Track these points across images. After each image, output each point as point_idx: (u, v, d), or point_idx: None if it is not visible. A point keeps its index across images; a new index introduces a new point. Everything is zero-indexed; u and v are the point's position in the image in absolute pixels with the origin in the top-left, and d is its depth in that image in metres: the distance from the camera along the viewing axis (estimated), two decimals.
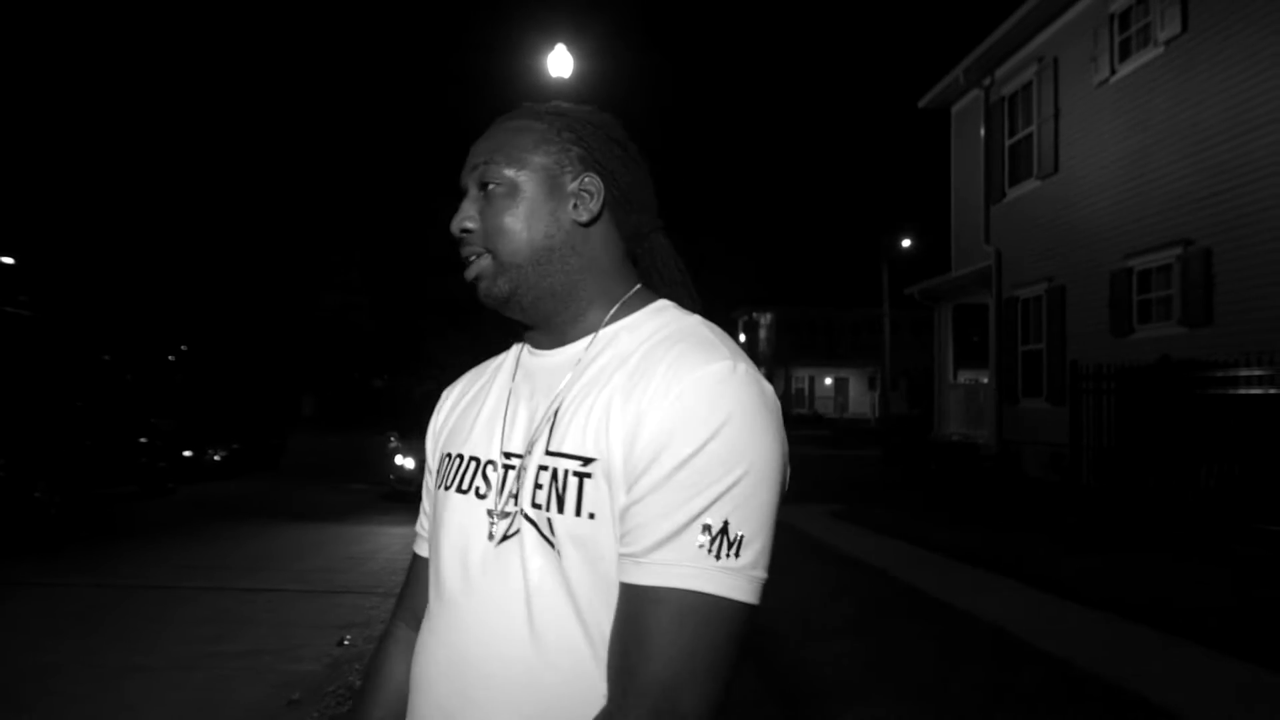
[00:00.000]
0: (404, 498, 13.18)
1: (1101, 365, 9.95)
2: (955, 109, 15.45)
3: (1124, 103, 10.66)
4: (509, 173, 0.92)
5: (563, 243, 0.92)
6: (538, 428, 0.89)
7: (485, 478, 0.93)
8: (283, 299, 28.99)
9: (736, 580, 0.76)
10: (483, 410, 1.00)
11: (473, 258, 0.94)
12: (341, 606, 6.25)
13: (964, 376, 16.80)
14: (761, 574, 0.78)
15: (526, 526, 0.85)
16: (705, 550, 0.75)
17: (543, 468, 0.86)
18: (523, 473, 0.88)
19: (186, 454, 14.79)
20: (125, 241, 26.56)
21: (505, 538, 0.87)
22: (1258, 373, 7.64)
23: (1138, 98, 10.41)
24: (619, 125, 0.99)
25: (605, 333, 0.92)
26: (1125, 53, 10.70)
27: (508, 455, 0.91)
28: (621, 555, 0.79)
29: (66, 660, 4.75)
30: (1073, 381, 10.32)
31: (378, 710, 1.07)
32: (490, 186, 0.93)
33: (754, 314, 46.00)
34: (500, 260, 0.92)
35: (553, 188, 0.92)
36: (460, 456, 0.97)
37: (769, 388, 0.83)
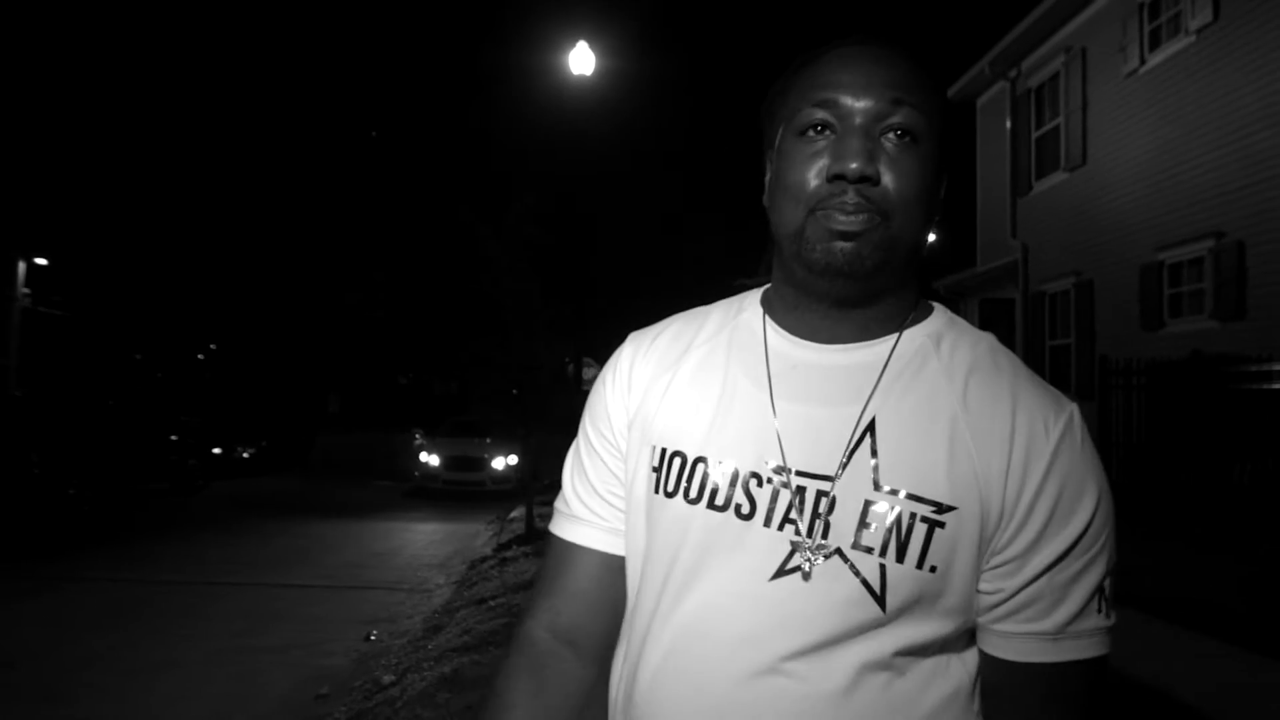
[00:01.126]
0: (428, 494, 13.29)
1: (1131, 360, 9.80)
2: (981, 101, 15.29)
3: (1154, 93, 10.48)
4: (926, 129, 0.76)
5: (927, 233, 0.80)
6: (845, 448, 0.75)
7: (749, 494, 0.76)
8: (308, 298, 29.28)
9: (1112, 635, 0.75)
10: (726, 401, 0.81)
11: (863, 214, 0.74)
12: (368, 602, 6.32)
13: None
14: None
15: (840, 570, 0.72)
16: (1103, 614, 0.73)
17: (870, 503, 0.72)
18: (828, 501, 0.74)
19: (216, 451, 15.02)
20: (155, 243, 26.97)
21: (783, 572, 0.74)
22: None
23: (1168, 88, 10.24)
24: None
25: (908, 336, 0.80)
26: (1155, 42, 10.53)
27: (782, 470, 0.76)
28: (1024, 634, 0.73)
29: (100, 655, 4.84)
30: (1102, 376, 10.17)
31: None
32: (907, 139, 0.75)
33: None
34: (891, 232, 0.75)
35: (941, 168, 0.80)
36: (703, 460, 0.79)
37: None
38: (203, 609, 5.93)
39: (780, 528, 0.74)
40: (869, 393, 0.76)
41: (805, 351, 0.81)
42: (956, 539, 0.71)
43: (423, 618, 5.82)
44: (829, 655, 0.72)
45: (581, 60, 14.71)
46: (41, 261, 19.68)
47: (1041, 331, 13.11)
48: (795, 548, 0.74)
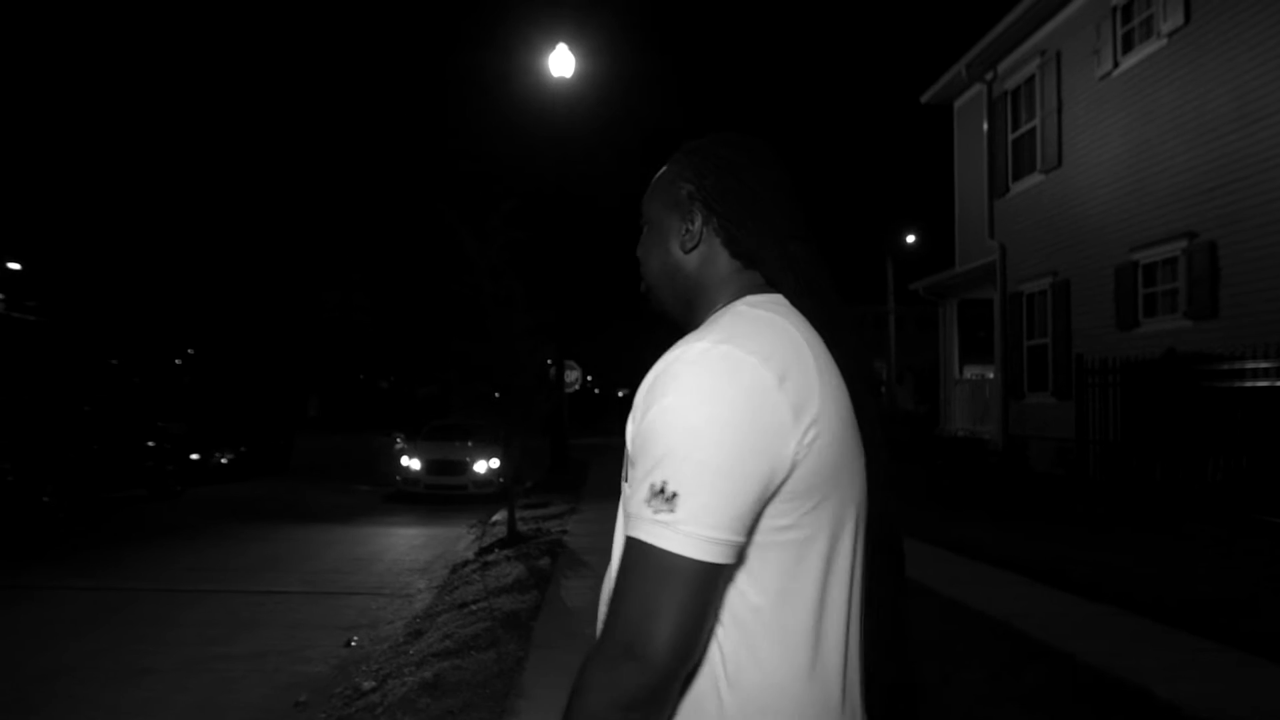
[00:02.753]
0: (410, 498, 13.21)
1: (1107, 359, 9.92)
2: (958, 104, 15.41)
3: (1127, 95, 10.62)
4: (646, 213, 1.17)
5: (675, 268, 1.12)
6: None
7: None
8: (287, 300, 29.04)
9: (667, 532, 0.84)
10: None
11: (642, 280, 1.18)
12: (349, 608, 6.27)
13: (970, 372, 16.77)
14: (700, 530, 0.84)
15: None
16: (648, 505, 0.86)
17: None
18: None
19: (194, 457, 14.84)
20: (132, 246, 26.65)
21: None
22: (1264, 365, 7.61)
23: (1141, 90, 10.37)
24: (747, 150, 1.11)
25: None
26: (1128, 45, 10.66)
27: None
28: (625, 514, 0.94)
29: (75, 663, 4.78)
30: (1078, 375, 10.28)
31: None
32: (643, 228, 1.17)
33: None
34: (647, 284, 1.17)
35: (668, 223, 1.13)
36: None
37: (750, 365, 0.89)
38: (179, 616, 5.87)
39: None
40: None
41: None
42: (627, 459, 0.95)
43: (404, 623, 5.78)
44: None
45: (561, 63, 14.68)
46: (15, 266, 19.40)
47: (1019, 331, 13.23)
48: None
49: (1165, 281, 10.12)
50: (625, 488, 0.96)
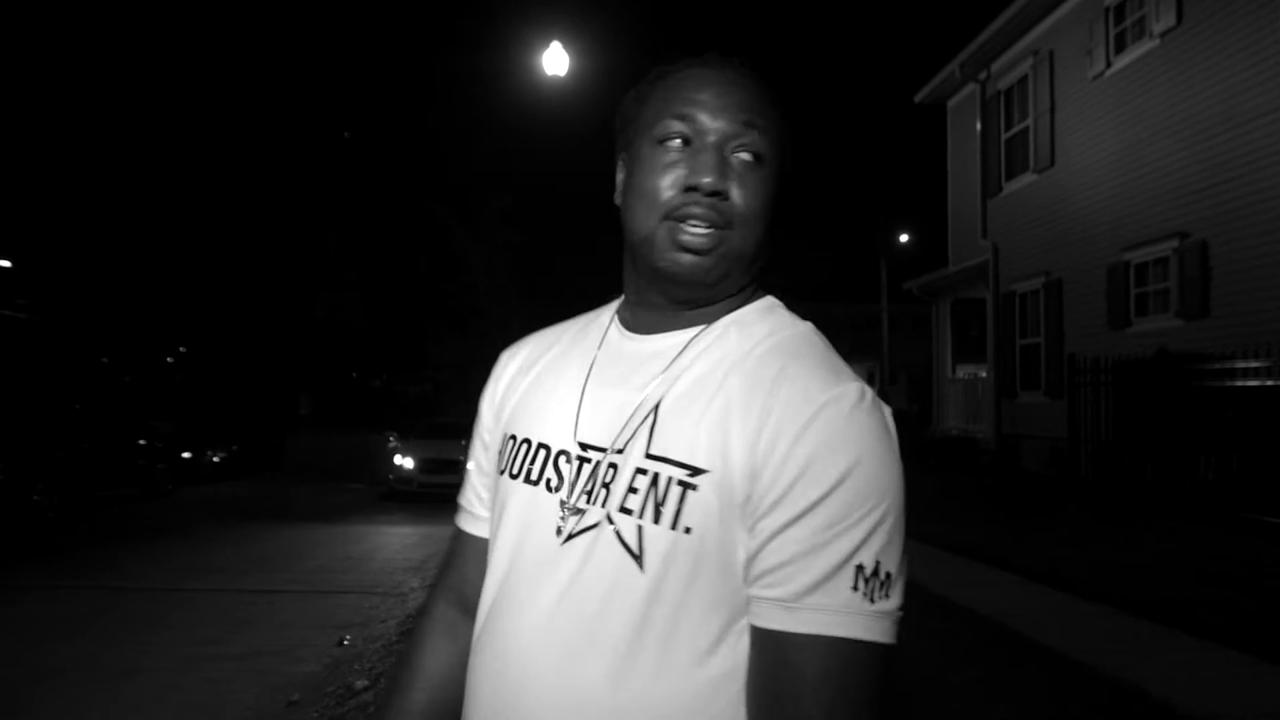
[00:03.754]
0: (403, 497, 13.18)
1: (1099, 358, 9.95)
2: (951, 103, 15.44)
3: (1120, 96, 10.65)
4: (769, 154, 0.83)
5: (767, 239, 0.85)
6: (633, 424, 0.81)
7: (558, 469, 0.85)
8: (280, 299, 28.93)
9: (886, 623, 0.71)
10: (556, 389, 0.90)
11: (714, 228, 0.80)
12: (341, 607, 6.25)
13: (963, 371, 16.81)
14: (902, 611, 0.73)
15: (607, 530, 0.78)
16: (860, 594, 0.70)
17: (640, 470, 0.78)
18: (612, 471, 0.80)
19: (185, 456, 14.77)
20: (123, 244, 26.52)
21: (571, 536, 0.80)
22: (1255, 364, 7.65)
23: (1133, 91, 10.41)
24: None
25: (717, 325, 0.85)
26: (1120, 45, 10.70)
27: (584, 447, 0.83)
28: (764, 599, 0.73)
29: (67, 663, 4.75)
30: (1070, 375, 10.32)
31: (415, 694, 0.98)
32: (753, 160, 0.82)
33: None
34: (733, 245, 0.81)
35: (784, 184, 0.86)
36: (528, 442, 0.89)
37: (889, 411, 0.78)
38: (170, 616, 5.84)
39: (569, 496, 0.82)
40: (661, 378, 0.82)
41: (623, 340, 0.89)
42: (710, 501, 0.74)
43: (397, 622, 5.77)
44: (603, 615, 0.76)
45: (556, 61, 14.66)
46: (5, 264, 19.29)
47: (1012, 331, 13.28)
48: (577, 513, 0.81)
49: (1157, 281, 10.16)
50: (652, 527, 0.76)
